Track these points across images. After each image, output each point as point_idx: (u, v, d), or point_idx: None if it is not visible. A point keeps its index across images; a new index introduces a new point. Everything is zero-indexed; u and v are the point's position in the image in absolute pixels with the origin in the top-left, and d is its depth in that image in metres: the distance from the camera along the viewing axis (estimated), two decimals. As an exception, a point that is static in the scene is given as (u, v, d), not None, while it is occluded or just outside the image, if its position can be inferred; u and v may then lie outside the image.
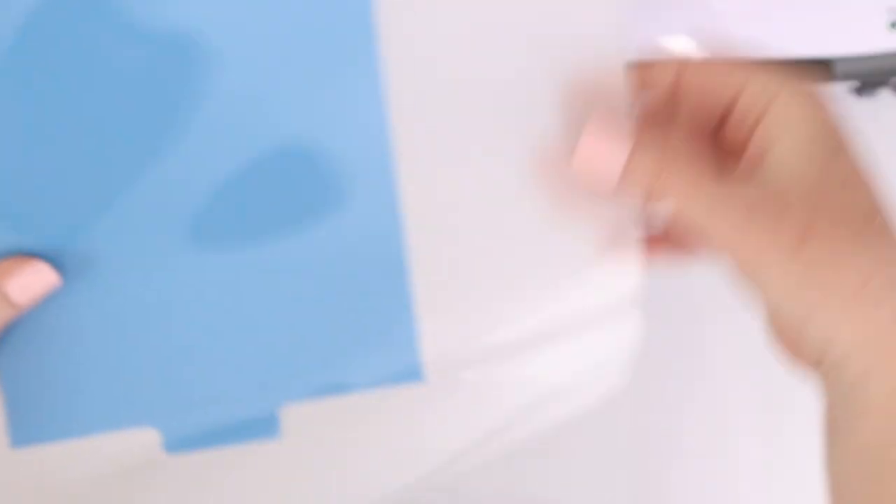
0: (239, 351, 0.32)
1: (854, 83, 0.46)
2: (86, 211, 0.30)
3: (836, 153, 0.28)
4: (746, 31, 0.43)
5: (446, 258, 0.32)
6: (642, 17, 0.43)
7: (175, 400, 0.31)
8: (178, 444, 0.32)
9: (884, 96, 0.47)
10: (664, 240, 0.33)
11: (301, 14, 0.30)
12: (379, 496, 0.34)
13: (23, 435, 0.31)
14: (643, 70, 0.31)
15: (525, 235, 0.32)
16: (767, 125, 0.28)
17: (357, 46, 0.31)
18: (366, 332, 0.32)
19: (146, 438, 0.31)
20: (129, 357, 0.31)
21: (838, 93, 0.48)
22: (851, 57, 0.44)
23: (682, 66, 0.30)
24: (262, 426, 0.32)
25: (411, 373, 0.32)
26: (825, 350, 0.27)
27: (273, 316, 0.31)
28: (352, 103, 0.31)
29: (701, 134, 0.30)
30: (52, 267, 0.30)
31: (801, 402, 0.32)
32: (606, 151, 0.28)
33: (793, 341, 0.29)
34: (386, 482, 0.34)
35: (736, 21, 0.43)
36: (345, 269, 0.32)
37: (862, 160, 0.28)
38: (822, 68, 0.45)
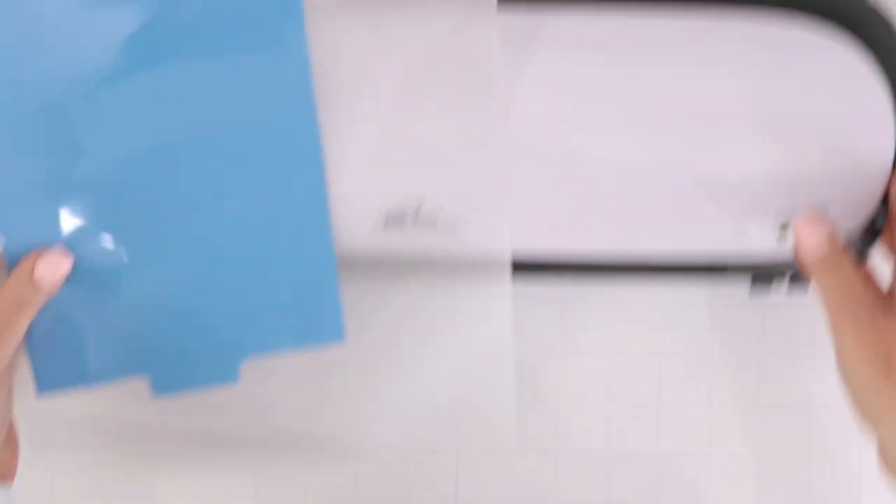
0: (205, 316, 0.41)
1: (746, 279, 0.45)
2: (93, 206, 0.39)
3: None
4: (634, 235, 0.42)
5: None
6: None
7: (161, 353, 0.40)
8: (163, 388, 0.41)
9: (777, 292, 0.46)
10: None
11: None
12: None
13: (45, 383, 0.40)
14: None
15: None
16: None
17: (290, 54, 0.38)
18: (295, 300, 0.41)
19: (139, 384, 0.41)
20: (128, 323, 0.40)
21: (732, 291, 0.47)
22: (742, 259, 0.43)
23: None
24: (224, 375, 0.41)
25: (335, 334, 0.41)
26: None
27: (225, 286, 0.40)
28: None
29: None
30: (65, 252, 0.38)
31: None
32: None
33: None
34: None
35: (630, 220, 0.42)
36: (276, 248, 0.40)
37: None
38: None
